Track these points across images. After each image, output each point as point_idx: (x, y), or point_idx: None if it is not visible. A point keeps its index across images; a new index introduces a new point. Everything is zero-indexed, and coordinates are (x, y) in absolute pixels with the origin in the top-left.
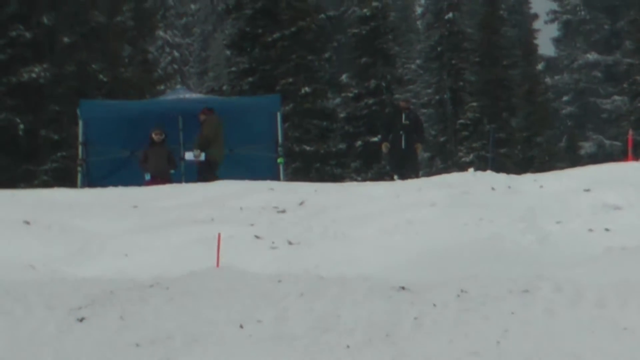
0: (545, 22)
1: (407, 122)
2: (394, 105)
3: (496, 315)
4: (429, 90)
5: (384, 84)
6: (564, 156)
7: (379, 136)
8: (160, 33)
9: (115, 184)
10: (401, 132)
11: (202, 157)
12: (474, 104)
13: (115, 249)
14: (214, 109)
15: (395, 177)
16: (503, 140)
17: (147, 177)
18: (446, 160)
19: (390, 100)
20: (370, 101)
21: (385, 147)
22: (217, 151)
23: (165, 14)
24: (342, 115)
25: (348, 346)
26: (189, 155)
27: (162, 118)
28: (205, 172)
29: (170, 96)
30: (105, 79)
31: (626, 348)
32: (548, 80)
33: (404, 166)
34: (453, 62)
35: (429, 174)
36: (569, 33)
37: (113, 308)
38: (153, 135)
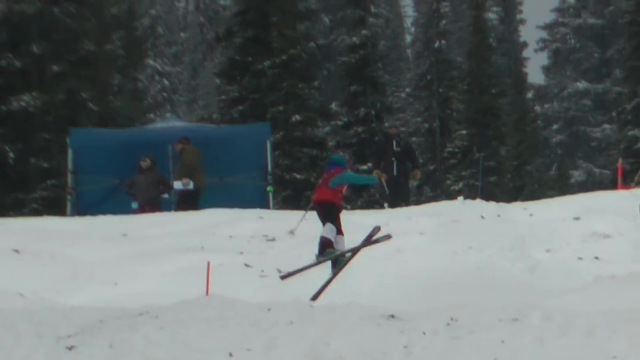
0: (535, 51)
1: (398, 149)
2: (384, 133)
3: (486, 344)
4: (418, 119)
5: (373, 112)
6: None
7: (369, 164)
8: (150, 61)
9: (105, 212)
10: (393, 159)
11: (191, 185)
12: (463, 132)
13: (104, 277)
14: (189, 138)
15: (386, 205)
16: (492, 168)
17: (135, 205)
18: (435, 189)
19: (380, 128)
20: (360, 129)
21: (377, 174)
22: (200, 180)
23: (155, 42)
24: (331, 143)
25: None
26: (177, 185)
27: (152, 146)
28: (189, 201)
29: (160, 124)
30: (95, 108)
31: None
32: (538, 108)
33: (395, 194)
34: (442, 90)
35: (418, 202)
36: (559, 61)
37: (102, 336)
38: (140, 163)
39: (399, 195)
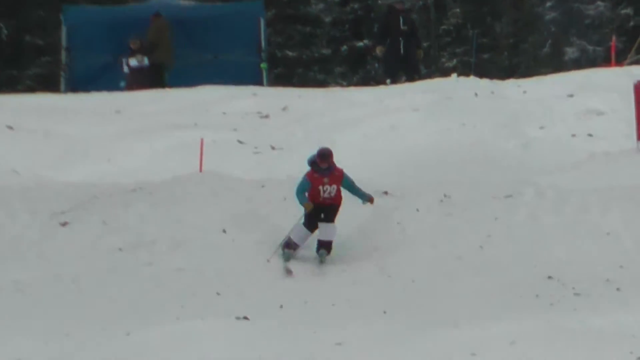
0: None
1: (405, 27)
2: (389, 7)
3: (479, 220)
4: None
5: None
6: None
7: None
8: None
9: (98, 89)
10: (400, 38)
11: (145, 61)
12: (457, 9)
13: (98, 154)
14: (161, 13)
15: (388, 81)
16: (487, 45)
17: (122, 84)
18: (429, 66)
19: (376, 4)
20: (356, 5)
21: (380, 51)
22: (163, 55)
23: None
24: (327, 19)
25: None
26: (132, 62)
27: (146, 23)
28: (149, 78)
29: (154, 1)
30: None
31: (608, 252)
32: None
33: (400, 71)
34: None
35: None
36: None
37: (96, 213)
38: (130, 44)
39: (409, 69)
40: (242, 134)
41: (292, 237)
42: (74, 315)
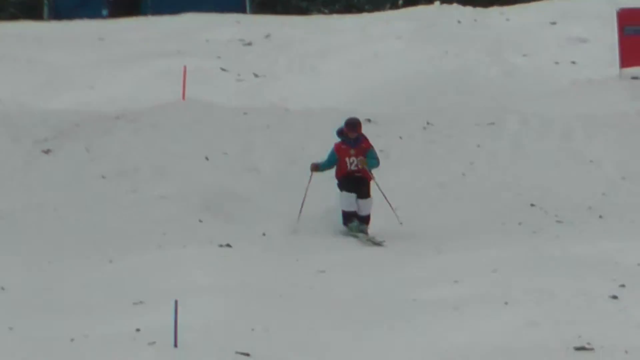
0: None
1: None
2: None
3: (462, 148)
4: None
5: None
6: None
7: None
8: None
9: (81, 16)
10: None
11: None
12: None
13: (81, 81)
14: None
15: None
16: None
17: (105, 13)
18: None
19: None
20: None
21: None
22: None
23: None
24: None
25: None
26: None
27: None
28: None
29: None
30: None
31: (591, 180)
32: None
33: None
34: None
35: (395, 6)
36: None
37: (78, 140)
38: None
39: None
40: (225, 62)
41: (344, 209)
42: (57, 243)
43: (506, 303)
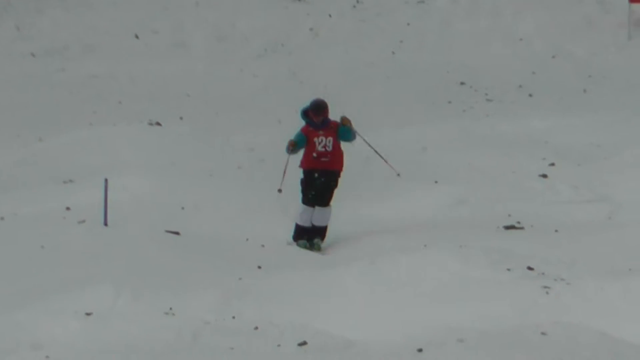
0: None
1: None
2: None
3: (392, 26)
4: None
5: None
6: None
7: None
8: None
9: None
10: None
11: None
12: None
13: None
14: None
15: None
16: None
17: None
18: None
19: None
20: None
21: None
22: None
23: None
24: None
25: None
26: None
27: None
28: None
29: None
30: None
31: (521, 58)
32: None
33: None
34: None
35: None
36: None
37: (9, 18)
38: None
39: None
40: None
41: (298, 222)
42: None
43: (436, 182)
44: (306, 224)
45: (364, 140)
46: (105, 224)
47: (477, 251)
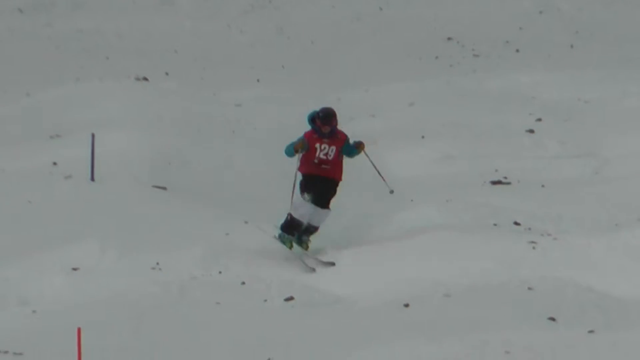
0: None
1: None
2: None
3: None
4: None
5: None
6: None
7: None
8: None
9: None
10: None
11: None
12: None
13: None
14: None
15: None
16: None
17: None
18: None
19: None
20: None
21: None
22: None
23: None
24: None
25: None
26: None
27: None
28: None
29: None
30: None
31: (508, 14)
32: None
33: None
34: None
35: None
36: None
37: None
38: None
39: None
40: None
41: (293, 214)
42: None
43: (423, 137)
44: (301, 219)
45: (365, 154)
46: (92, 179)
47: (463, 206)
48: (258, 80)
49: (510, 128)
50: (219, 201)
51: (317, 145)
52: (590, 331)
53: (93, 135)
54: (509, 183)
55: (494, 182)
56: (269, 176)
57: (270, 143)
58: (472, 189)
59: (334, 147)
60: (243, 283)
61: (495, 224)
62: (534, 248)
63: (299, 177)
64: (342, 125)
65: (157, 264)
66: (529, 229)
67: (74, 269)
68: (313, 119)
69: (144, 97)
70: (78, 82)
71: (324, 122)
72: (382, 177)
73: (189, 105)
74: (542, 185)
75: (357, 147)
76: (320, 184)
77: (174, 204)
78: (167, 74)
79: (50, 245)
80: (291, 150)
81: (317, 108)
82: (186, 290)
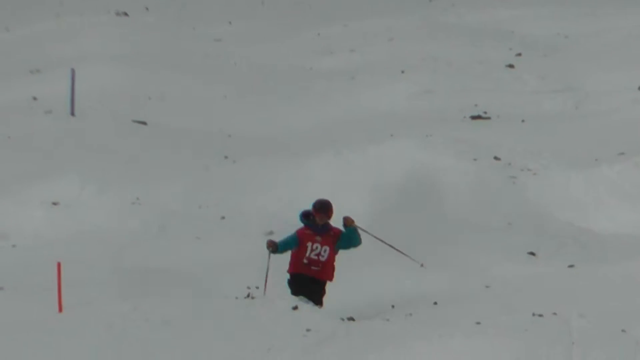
0: None
1: None
2: None
3: None
4: None
5: None
6: None
7: None
8: None
9: None
10: None
11: None
12: None
13: None
14: None
15: None
16: None
17: None
18: None
19: None
20: None
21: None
22: None
23: None
24: None
25: None
26: None
27: None
28: None
29: None
30: None
31: None
32: None
33: None
34: None
35: None
36: None
37: None
38: None
39: None
40: None
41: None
42: None
43: (402, 72)
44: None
45: (376, 237)
46: (72, 113)
47: (443, 141)
48: (230, 23)
49: (490, 62)
50: (199, 136)
51: (309, 244)
52: (570, 265)
53: (73, 70)
54: (488, 118)
55: (474, 117)
56: (252, 110)
57: (250, 80)
58: (451, 123)
59: (327, 248)
60: (223, 218)
61: (474, 159)
62: (514, 183)
63: (287, 276)
64: (320, 60)
65: (137, 198)
66: (509, 164)
67: (54, 204)
68: (306, 214)
69: (123, 31)
70: (58, 17)
71: (320, 211)
72: (406, 255)
73: (169, 39)
74: (522, 120)
75: (349, 224)
76: (310, 285)
77: (154, 139)
78: (147, 8)
79: (30, 180)
80: (282, 248)
81: (309, 206)
82: (166, 225)
